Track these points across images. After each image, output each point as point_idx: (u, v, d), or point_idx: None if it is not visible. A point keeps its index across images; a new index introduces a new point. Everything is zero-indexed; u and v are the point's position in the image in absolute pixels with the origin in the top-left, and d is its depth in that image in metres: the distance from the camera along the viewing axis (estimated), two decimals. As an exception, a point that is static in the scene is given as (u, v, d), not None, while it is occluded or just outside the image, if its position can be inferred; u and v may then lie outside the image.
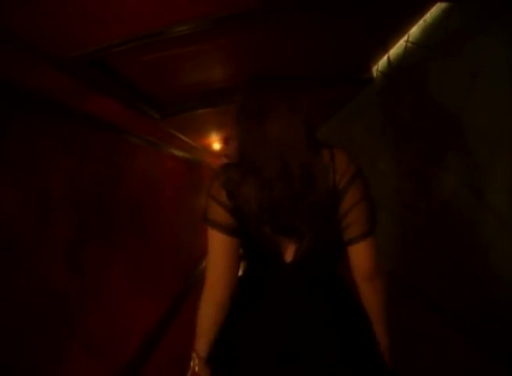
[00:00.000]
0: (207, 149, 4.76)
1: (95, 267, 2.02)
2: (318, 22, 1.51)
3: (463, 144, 1.55)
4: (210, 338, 0.86)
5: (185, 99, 2.32)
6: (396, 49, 1.97)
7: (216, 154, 5.57)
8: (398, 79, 2.03)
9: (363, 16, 1.53)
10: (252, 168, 0.76)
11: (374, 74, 2.34)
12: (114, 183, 2.53)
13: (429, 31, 1.65)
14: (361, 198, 0.76)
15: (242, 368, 0.79)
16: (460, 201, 1.66)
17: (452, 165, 1.67)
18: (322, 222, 0.76)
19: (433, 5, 1.57)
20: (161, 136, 3.29)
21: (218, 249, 0.78)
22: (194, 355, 0.91)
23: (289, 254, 0.80)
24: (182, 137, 3.45)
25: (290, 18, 1.41)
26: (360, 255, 0.76)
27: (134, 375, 1.99)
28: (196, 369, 0.91)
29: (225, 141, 4.33)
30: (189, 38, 1.41)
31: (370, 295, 0.79)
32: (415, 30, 1.75)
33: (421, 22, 1.69)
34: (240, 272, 0.84)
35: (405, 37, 1.84)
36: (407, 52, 1.87)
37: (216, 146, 4.32)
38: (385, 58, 2.12)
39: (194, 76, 2.00)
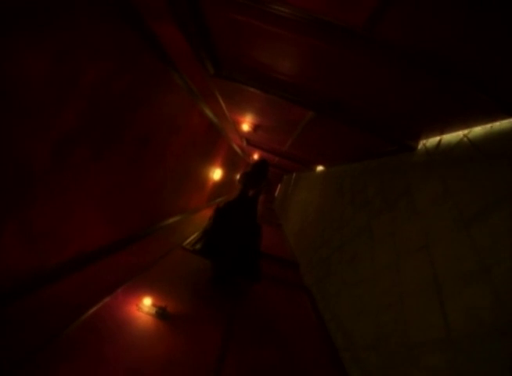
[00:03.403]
0: (235, 125, 4.74)
1: (76, 168, 2.01)
2: (401, 77, 1.51)
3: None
4: None
5: (244, 71, 2.29)
6: (452, 136, 1.97)
7: (239, 134, 5.55)
8: (435, 164, 2.03)
9: (440, 92, 1.53)
10: (247, 174, 3.47)
11: (419, 145, 2.33)
12: (137, 108, 2.51)
13: (491, 138, 1.65)
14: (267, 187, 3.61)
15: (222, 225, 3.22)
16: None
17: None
18: (258, 187, 3.41)
19: (505, 118, 1.56)
20: (203, 90, 3.26)
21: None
22: None
23: (251, 194, 3.36)
24: (220, 102, 3.43)
25: (385, 58, 1.40)
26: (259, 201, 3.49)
27: (51, 280, 1.99)
28: None
29: (255, 128, 4.31)
30: (282, 21, 1.40)
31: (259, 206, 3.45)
32: (478, 130, 1.75)
33: (488, 126, 1.68)
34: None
35: (466, 132, 1.83)
36: (460, 145, 1.86)
37: (244, 127, 4.30)
38: (437, 138, 2.11)
39: (264, 56, 1.98)
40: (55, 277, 2.04)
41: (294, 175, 10.07)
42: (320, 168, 5.79)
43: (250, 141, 6.07)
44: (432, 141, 2.19)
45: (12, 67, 1.31)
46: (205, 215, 4.23)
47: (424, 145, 2.28)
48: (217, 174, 7.01)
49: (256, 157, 8.61)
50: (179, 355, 1.83)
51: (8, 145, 1.42)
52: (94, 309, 1.92)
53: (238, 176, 3.59)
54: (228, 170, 8.58)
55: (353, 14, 1.16)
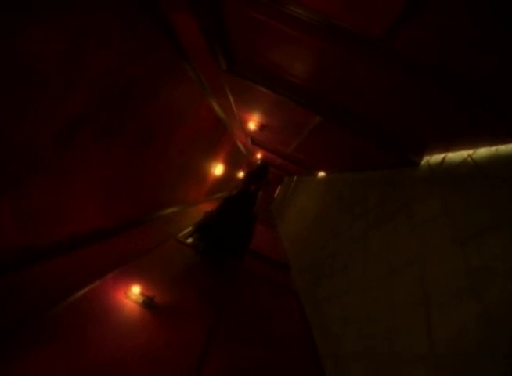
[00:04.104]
0: (241, 123, 4.73)
1: (77, 151, 2.01)
2: (414, 91, 1.50)
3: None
4: None
5: (257, 69, 2.29)
6: (456, 155, 1.96)
7: (245, 133, 5.55)
8: (437, 181, 2.03)
9: (450, 109, 1.52)
10: (251, 173, 4.26)
11: (423, 161, 2.33)
12: (146, 96, 2.50)
13: (495, 160, 1.64)
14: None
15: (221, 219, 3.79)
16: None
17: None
18: (258, 185, 4.16)
19: (511, 141, 1.56)
20: (213, 85, 3.26)
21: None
22: None
23: (252, 189, 4.05)
24: (229, 98, 3.42)
25: (399, 70, 1.39)
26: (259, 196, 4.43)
27: (43, 259, 1.99)
28: None
29: (261, 127, 4.31)
30: (297, 22, 1.39)
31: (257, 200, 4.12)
32: (483, 151, 1.74)
33: (493, 148, 1.68)
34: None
35: (471, 152, 1.83)
36: (463, 165, 1.86)
37: (251, 125, 4.30)
38: (442, 156, 2.11)
39: (278, 57, 1.97)
40: (48, 256, 2.04)
41: (295, 178, 10.06)
42: (321, 173, 5.79)
43: (255, 140, 6.07)
44: (436, 158, 2.19)
45: (25, 47, 1.30)
46: (203, 209, 4.24)
47: (428, 161, 2.28)
48: (218, 169, 7.01)
49: (259, 156, 8.66)
50: (162, 346, 1.83)
51: (10, 125, 1.42)
52: (82, 291, 1.92)
53: (241, 174, 3.97)
54: (231, 167, 8.57)
55: (370, 23, 1.16)
